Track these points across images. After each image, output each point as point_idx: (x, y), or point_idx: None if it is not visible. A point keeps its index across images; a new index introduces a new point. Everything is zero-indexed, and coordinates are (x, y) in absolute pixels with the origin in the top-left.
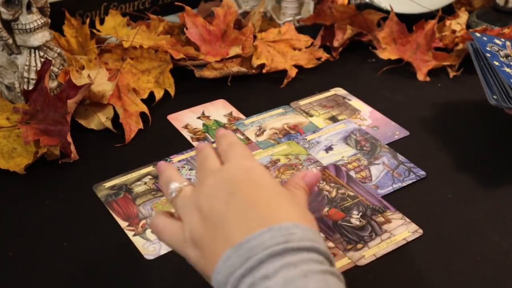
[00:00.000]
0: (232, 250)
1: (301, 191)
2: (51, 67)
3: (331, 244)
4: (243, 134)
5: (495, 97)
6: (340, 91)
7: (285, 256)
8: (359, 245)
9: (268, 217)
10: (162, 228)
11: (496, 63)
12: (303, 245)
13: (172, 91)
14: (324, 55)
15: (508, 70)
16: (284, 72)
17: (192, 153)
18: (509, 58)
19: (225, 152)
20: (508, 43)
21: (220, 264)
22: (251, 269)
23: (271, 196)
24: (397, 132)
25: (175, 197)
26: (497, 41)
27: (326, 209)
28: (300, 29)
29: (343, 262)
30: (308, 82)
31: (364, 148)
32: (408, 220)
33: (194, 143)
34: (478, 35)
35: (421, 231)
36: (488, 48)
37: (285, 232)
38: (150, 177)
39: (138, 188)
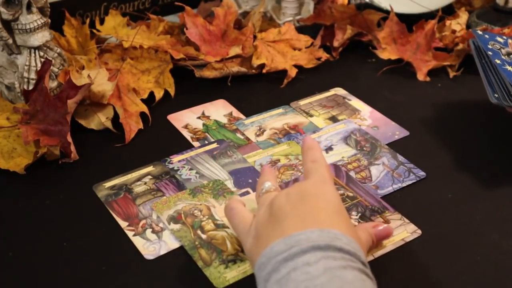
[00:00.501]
0: (280, 239)
1: (366, 236)
2: (51, 67)
3: None
4: (243, 134)
5: (496, 95)
6: (340, 91)
7: (327, 251)
8: None
9: (323, 222)
10: (237, 212)
11: (498, 61)
12: (346, 248)
13: (172, 91)
14: (324, 55)
15: (509, 68)
16: (284, 72)
17: (192, 153)
18: (511, 56)
19: (308, 171)
20: (510, 41)
21: (268, 249)
22: (293, 256)
23: (332, 212)
24: (397, 132)
25: (263, 193)
26: (499, 39)
27: None
28: (300, 29)
29: None
30: (308, 82)
31: (364, 148)
32: (407, 220)
33: (194, 143)
34: (480, 33)
35: (419, 231)
36: (489, 46)
37: (332, 235)
38: (150, 177)
39: (138, 188)
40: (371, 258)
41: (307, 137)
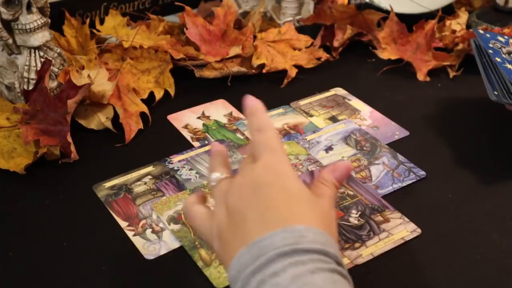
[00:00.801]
0: (246, 248)
1: (330, 187)
2: (51, 67)
3: None
4: (243, 134)
5: (496, 93)
6: (340, 91)
7: (294, 256)
8: (357, 244)
9: (284, 219)
10: (195, 215)
11: (498, 60)
12: (313, 247)
13: (172, 91)
14: (324, 55)
15: (509, 66)
16: (284, 72)
17: (192, 153)
18: (511, 55)
19: (256, 144)
20: (511, 40)
21: (234, 261)
22: (260, 267)
23: (292, 199)
24: (397, 132)
25: (214, 186)
26: (500, 38)
27: None
28: (300, 29)
29: None
30: (308, 82)
31: (364, 148)
32: (406, 219)
33: (194, 143)
34: (481, 32)
35: (419, 230)
36: (490, 45)
37: (297, 234)
38: (150, 177)
39: (138, 188)
40: (370, 257)
41: (248, 97)
